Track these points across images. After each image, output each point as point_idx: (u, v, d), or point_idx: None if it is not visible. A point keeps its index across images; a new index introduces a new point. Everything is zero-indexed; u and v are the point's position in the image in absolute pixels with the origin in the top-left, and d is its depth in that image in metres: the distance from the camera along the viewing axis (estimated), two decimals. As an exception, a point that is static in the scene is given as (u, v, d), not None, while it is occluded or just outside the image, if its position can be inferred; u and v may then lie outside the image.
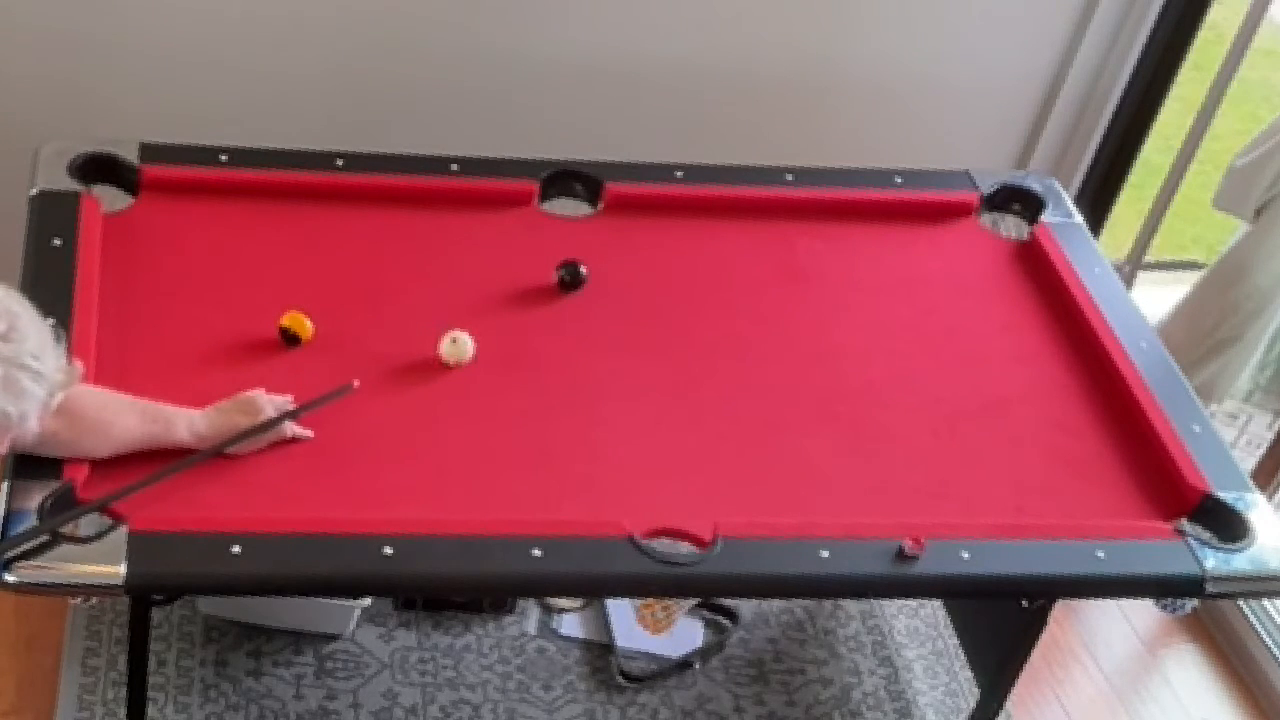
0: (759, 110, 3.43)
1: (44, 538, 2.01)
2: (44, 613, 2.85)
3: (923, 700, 3.04)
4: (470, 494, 2.26)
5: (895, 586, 2.37)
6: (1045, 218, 2.97)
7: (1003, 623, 2.65)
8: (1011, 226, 3.00)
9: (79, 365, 2.08)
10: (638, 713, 2.90)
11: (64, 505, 2.06)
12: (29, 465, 2.08)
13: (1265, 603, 3.27)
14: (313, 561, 2.10)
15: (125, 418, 2.15)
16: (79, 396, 2.11)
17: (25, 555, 1.99)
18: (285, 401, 2.28)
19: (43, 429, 2.02)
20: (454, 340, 2.44)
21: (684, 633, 3.04)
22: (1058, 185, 3.07)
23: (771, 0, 3.29)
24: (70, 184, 2.58)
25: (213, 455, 2.18)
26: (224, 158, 2.71)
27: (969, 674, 3.01)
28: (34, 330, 1.92)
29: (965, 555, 2.27)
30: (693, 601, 3.06)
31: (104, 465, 2.13)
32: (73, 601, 2.75)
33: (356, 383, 2.34)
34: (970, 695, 2.99)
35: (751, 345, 2.62)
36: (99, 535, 2.04)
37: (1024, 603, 2.49)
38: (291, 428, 2.26)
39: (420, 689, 2.86)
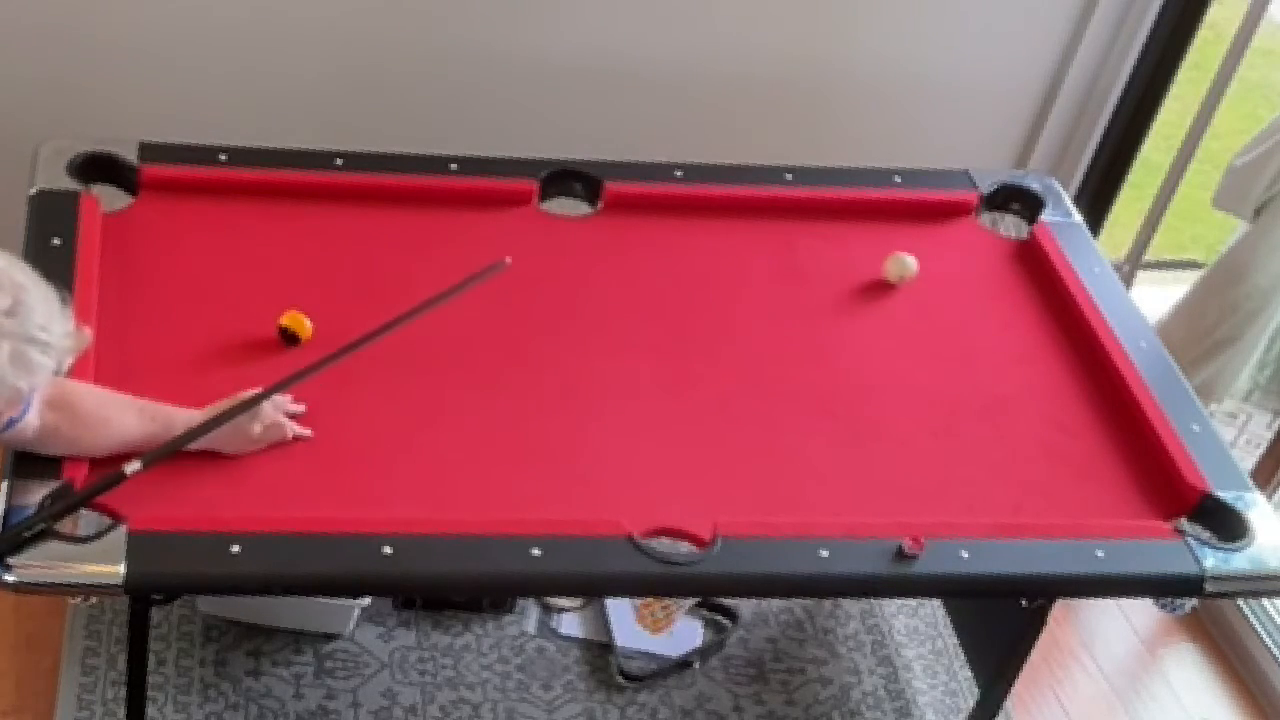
0: (759, 110, 3.43)
1: (39, 527, 2.00)
2: (44, 612, 2.85)
3: (922, 700, 3.04)
4: (470, 494, 2.26)
5: (895, 586, 2.37)
6: (1045, 217, 2.97)
7: (1002, 622, 2.65)
8: (1011, 226, 3.00)
9: (87, 331, 2.08)
10: (637, 712, 2.90)
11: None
12: (29, 463, 2.08)
13: (1265, 602, 3.26)
14: (313, 561, 2.10)
15: (124, 416, 2.15)
16: (79, 395, 2.11)
17: (18, 551, 1.99)
18: (285, 401, 2.28)
19: (42, 423, 2.03)
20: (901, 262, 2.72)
21: (684, 632, 3.04)
22: (1057, 185, 3.07)
23: (772, 0, 3.30)
24: (70, 183, 2.58)
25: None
26: (224, 157, 2.71)
27: (968, 673, 3.01)
28: (40, 300, 1.92)
29: (964, 555, 2.27)
30: (692, 601, 3.06)
31: (103, 464, 2.13)
32: (72, 601, 2.74)
33: (508, 259, 2.41)
34: (970, 695, 2.99)
35: (751, 344, 2.62)
36: (98, 535, 2.04)
37: (1023, 602, 2.49)
38: (292, 428, 2.27)
39: (420, 688, 2.86)
